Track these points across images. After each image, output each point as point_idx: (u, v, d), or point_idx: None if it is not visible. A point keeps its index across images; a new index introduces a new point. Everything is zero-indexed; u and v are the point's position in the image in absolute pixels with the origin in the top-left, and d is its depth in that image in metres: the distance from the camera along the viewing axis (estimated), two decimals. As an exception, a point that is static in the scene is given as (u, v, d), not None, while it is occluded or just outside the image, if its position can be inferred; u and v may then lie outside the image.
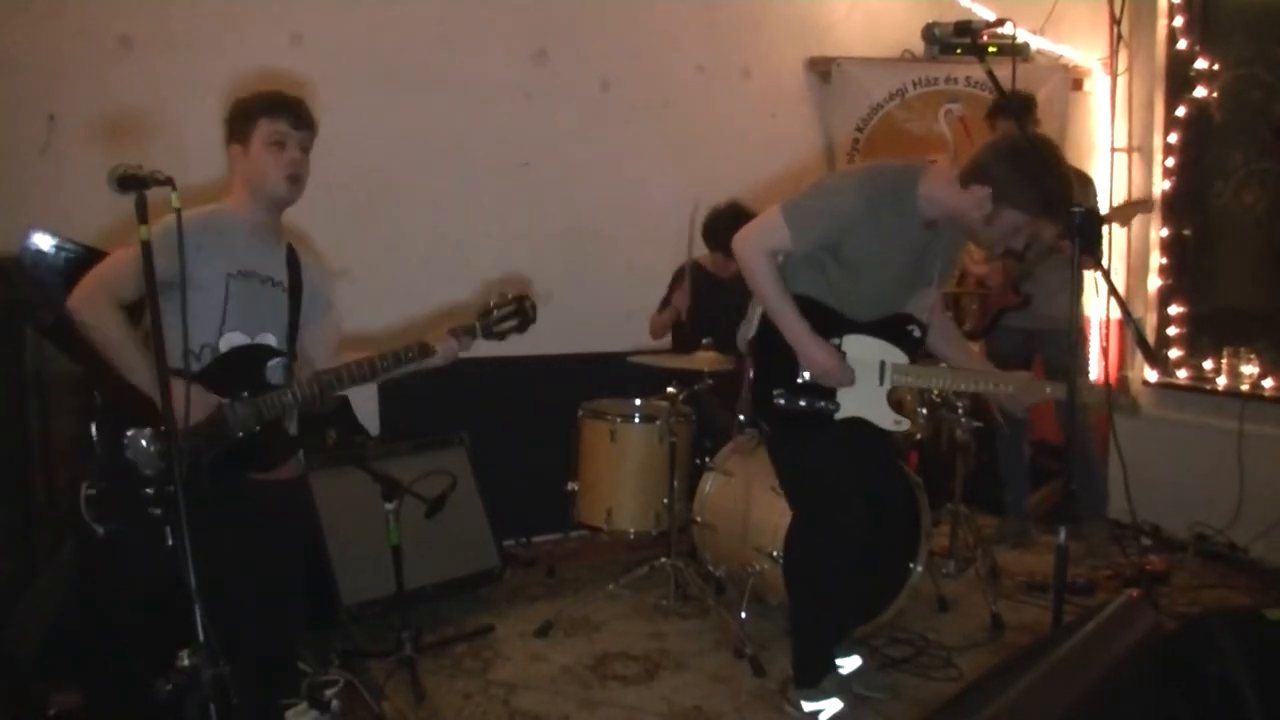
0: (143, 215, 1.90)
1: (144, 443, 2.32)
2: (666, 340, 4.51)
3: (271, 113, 2.43)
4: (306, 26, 4.29)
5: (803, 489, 3.06)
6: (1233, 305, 4.71)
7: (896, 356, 2.89)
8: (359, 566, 3.55)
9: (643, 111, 4.91)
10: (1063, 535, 2.46)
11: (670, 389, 3.87)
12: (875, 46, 5.25)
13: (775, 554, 3.45)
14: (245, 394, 2.39)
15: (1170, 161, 4.91)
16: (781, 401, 2.87)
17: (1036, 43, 5.30)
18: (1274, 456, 4.25)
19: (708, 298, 4.30)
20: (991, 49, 4.70)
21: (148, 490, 2.33)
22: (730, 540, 3.74)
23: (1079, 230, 2.42)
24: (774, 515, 3.47)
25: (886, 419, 2.91)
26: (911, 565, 3.61)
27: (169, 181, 1.92)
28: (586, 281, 4.80)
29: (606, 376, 4.37)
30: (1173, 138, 4.88)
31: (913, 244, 2.81)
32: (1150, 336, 4.89)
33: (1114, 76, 5.19)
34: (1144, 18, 5.01)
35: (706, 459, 4.00)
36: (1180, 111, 4.83)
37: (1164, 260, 4.96)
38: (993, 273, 4.33)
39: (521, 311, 2.70)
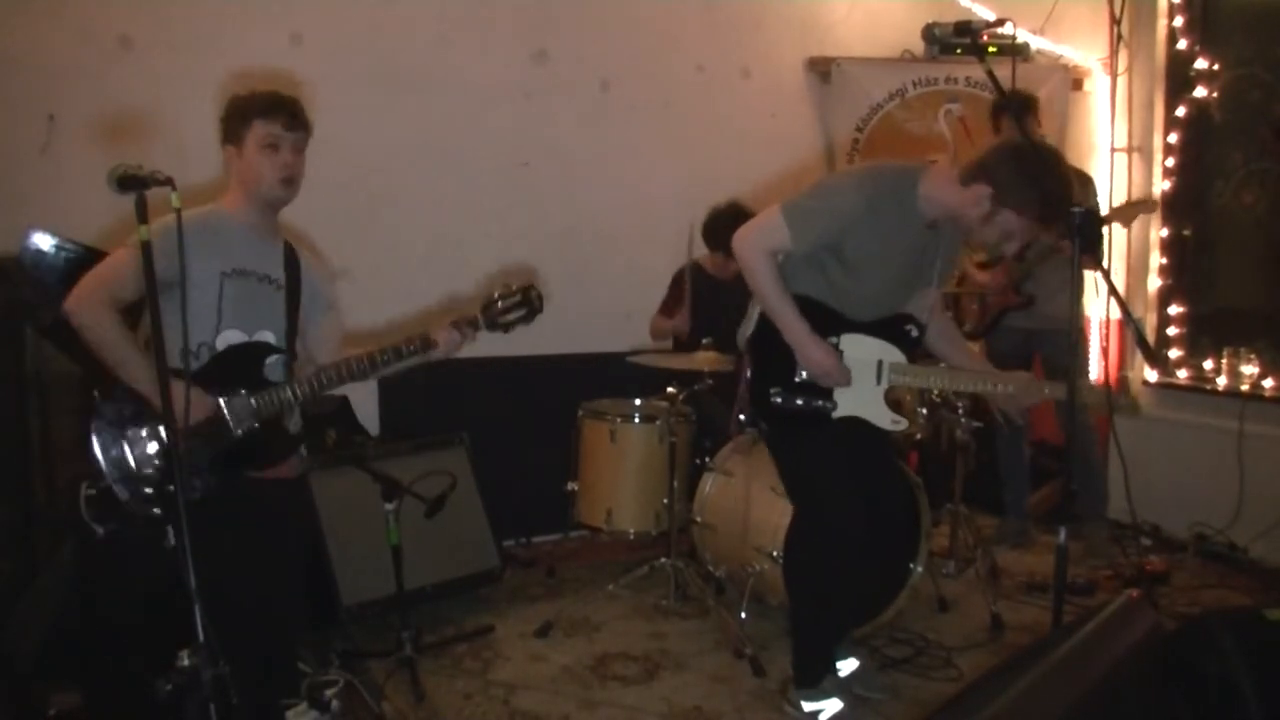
0: (143, 215, 1.90)
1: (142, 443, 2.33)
2: (666, 340, 4.51)
3: (265, 114, 2.42)
4: (306, 26, 4.29)
5: (802, 488, 3.06)
6: (1233, 305, 4.71)
7: (894, 356, 2.89)
8: (359, 566, 3.55)
9: (643, 111, 4.91)
10: (1063, 535, 2.46)
11: (670, 389, 3.87)
12: (875, 46, 5.25)
13: (775, 554, 3.45)
14: (243, 391, 2.39)
15: (1170, 161, 4.91)
16: (779, 400, 2.87)
17: (1036, 43, 5.30)
18: (1274, 456, 4.25)
19: (708, 299, 4.30)
20: (991, 49, 4.70)
21: (147, 490, 2.34)
22: (730, 540, 3.74)
23: (1079, 230, 2.42)
24: (774, 515, 3.47)
25: (884, 418, 2.91)
26: (911, 565, 3.61)
27: (169, 181, 1.92)
28: (586, 281, 4.80)
29: (606, 376, 4.37)
30: (1173, 138, 4.88)
31: (913, 244, 2.81)
32: (1150, 336, 4.89)
33: (1114, 76, 5.19)
34: (1144, 18, 5.01)
35: (706, 459, 4.00)
36: (1180, 111, 4.83)
37: (1164, 260, 4.96)
38: (995, 276, 4.33)
39: (527, 302, 2.65)
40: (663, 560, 3.86)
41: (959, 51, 5.14)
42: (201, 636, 1.80)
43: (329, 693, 2.89)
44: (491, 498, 4.07)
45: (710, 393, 4.02)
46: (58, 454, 3.18)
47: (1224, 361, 4.61)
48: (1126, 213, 4.46)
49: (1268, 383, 4.44)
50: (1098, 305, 4.98)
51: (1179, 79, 4.84)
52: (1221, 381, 4.62)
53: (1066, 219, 2.46)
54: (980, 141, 5.05)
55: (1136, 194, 5.05)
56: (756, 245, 2.82)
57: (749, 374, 2.99)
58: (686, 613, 3.85)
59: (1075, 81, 5.37)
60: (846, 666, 3.13)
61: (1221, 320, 4.73)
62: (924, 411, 3.92)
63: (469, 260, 4.52)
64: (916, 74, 5.21)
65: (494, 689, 3.26)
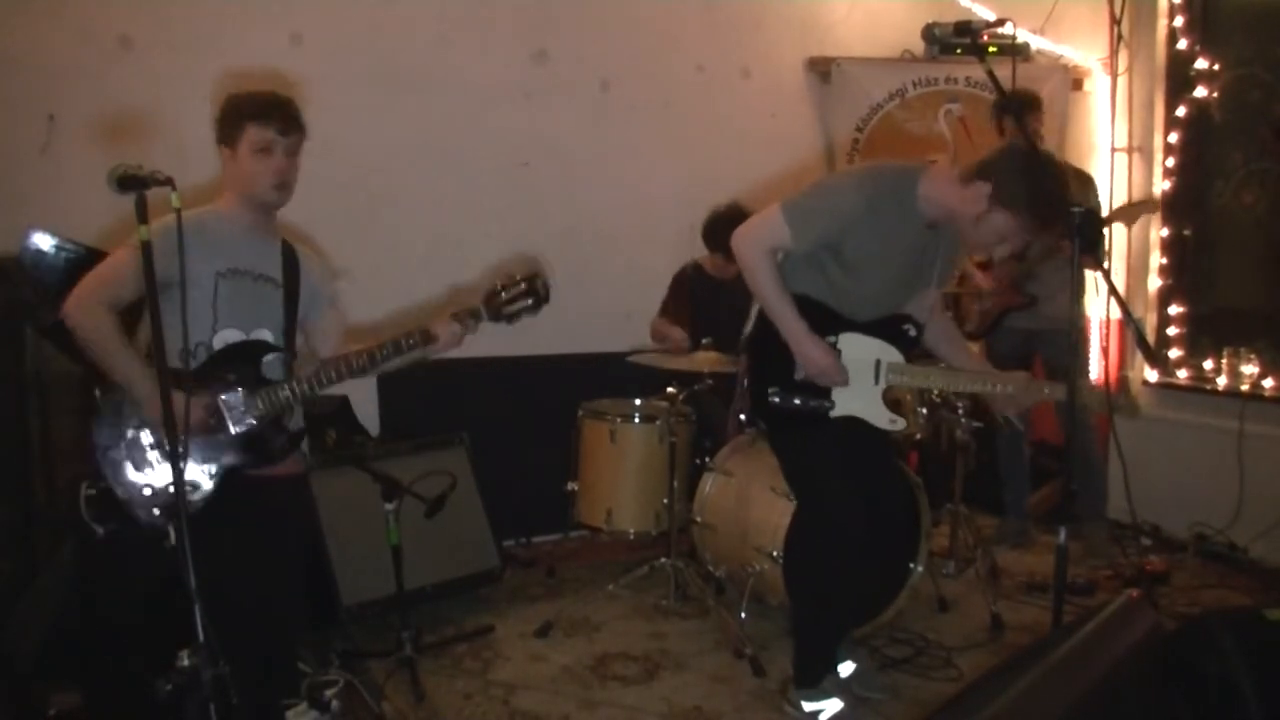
0: (143, 215, 1.91)
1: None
2: (666, 344, 4.51)
3: (258, 118, 2.40)
4: (306, 26, 4.29)
5: (803, 483, 3.07)
6: (1233, 305, 4.71)
7: (892, 356, 2.89)
8: (359, 566, 3.55)
9: (643, 111, 4.91)
10: (1063, 535, 2.46)
11: (670, 389, 3.87)
12: (875, 46, 5.25)
13: (775, 554, 3.45)
14: (239, 391, 2.38)
15: (1170, 161, 4.90)
16: (776, 399, 2.87)
17: (1036, 43, 5.30)
18: (1274, 456, 4.25)
19: (708, 300, 4.30)
20: (991, 49, 4.69)
21: (146, 493, 2.34)
22: (730, 540, 3.74)
23: (1079, 230, 2.42)
24: (774, 515, 3.47)
25: (882, 418, 2.91)
26: (911, 565, 3.61)
27: (169, 181, 1.93)
28: (586, 281, 4.80)
29: (606, 376, 4.37)
30: (1173, 138, 4.88)
31: (913, 244, 2.81)
32: (1150, 336, 4.89)
33: (1114, 76, 5.19)
34: (1144, 18, 5.01)
35: (706, 459, 3.99)
36: (1180, 111, 4.83)
37: (1164, 260, 4.96)
38: (997, 276, 4.33)
39: (533, 291, 2.59)
40: (663, 560, 3.86)
41: (959, 51, 5.14)
42: (201, 636, 1.80)
43: (329, 693, 2.89)
44: (491, 498, 4.07)
45: (710, 393, 4.03)
46: (58, 454, 3.18)
47: (1224, 361, 4.61)
48: (1129, 213, 4.46)
49: (1268, 383, 4.43)
50: (1098, 305, 4.98)
51: (1179, 79, 4.84)
52: (1221, 381, 4.62)
53: (1063, 222, 2.46)
54: (980, 142, 5.05)
55: (1137, 194, 5.05)
56: (756, 243, 2.82)
57: (746, 373, 2.99)
58: (686, 613, 3.85)
59: (1075, 81, 5.37)
60: (843, 670, 3.13)
61: (1221, 320, 4.73)
62: (924, 411, 3.92)
63: (469, 260, 4.52)
64: (916, 74, 5.21)
65: (494, 689, 3.26)
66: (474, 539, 3.98)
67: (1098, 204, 4.43)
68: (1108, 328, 5.05)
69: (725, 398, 4.06)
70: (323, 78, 4.23)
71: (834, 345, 2.85)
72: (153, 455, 2.37)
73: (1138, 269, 5.08)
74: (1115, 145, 5.21)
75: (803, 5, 5.16)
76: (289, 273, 2.55)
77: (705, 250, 4.39)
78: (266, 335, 2.49)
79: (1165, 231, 4.92)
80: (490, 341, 4.60)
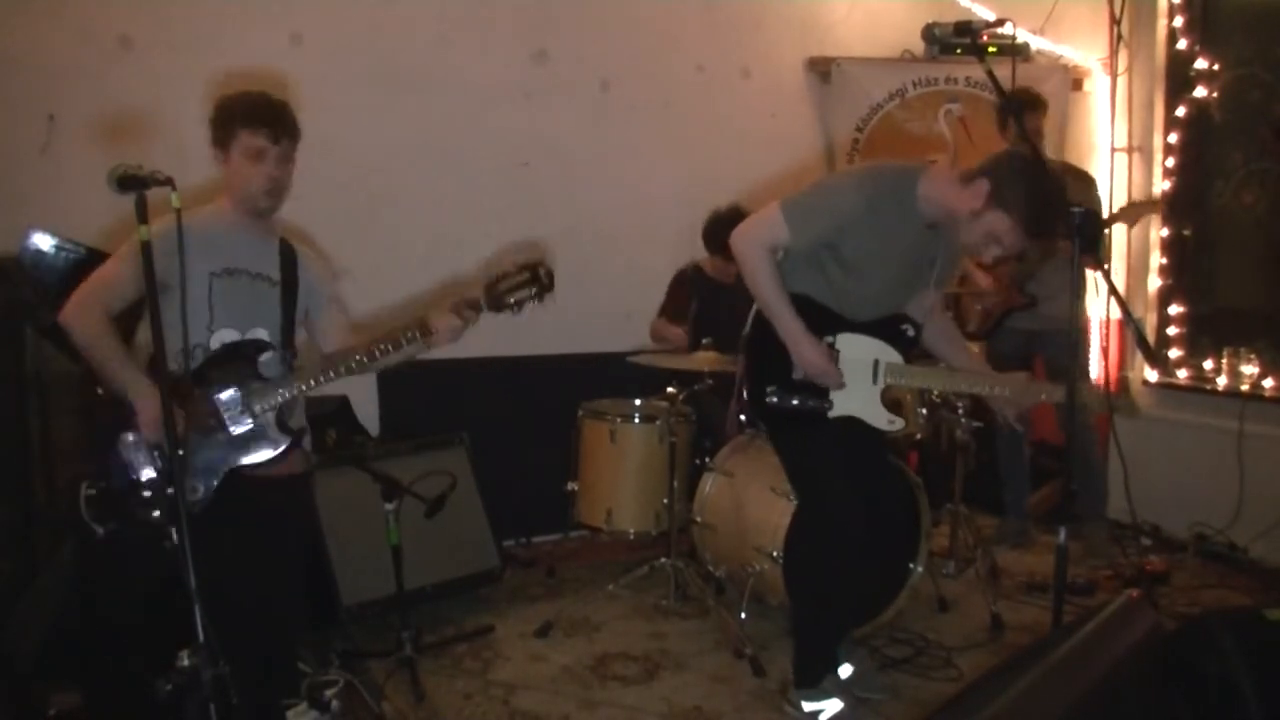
0: (143, 215, 1.91)
1: (136, 445, 2.34)
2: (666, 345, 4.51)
3: (250, 125, 2.39)
4: (306, 26, 4.29)
5: (804, 481, 3.07)
6: (1233, 305, 4.71)
7: (890, 356, 2.89)
8: (359, 566, 3.55)
9: (643, 111, 4.91)
10: (1063, 535, 2.46)
11: (670, 389, 3.87)
12: (875, 46, 5.25)
13: (775, 554, 3.45)
14: (234, 390, 2.38)
15: (1170, 161, 4.90)
16: (774, 399, 2.87)
17: (1036, 43, 5.30)
18: (1274, 456, 4.25)
19: (708, 302, 4.30)
20: (991, 49, 4.70)
21: (145, 493, 2.34)
22: (730, 540, 3.74)
23: (1079, 230, 2.42)
24: (773, 515, 3.47)
25: (880, 418, 2.91)
26: (911, 565, 3.61)
27: (169, 181, 1.93)
28: (586, 281, 4.79)
29: (606, 376, 4.37)
30: (1173, 138, 4.88)
31: (912, 244, 2.81)
32: (1150, 336, 4.89)
33: (1114, 76, 5.19)
34: (1144, 18, 5.01)
35: (706, 459, 3.99)
36: (1180, 111, 4.83)
37: (1164, 260, 4.96)
38: (998, 276, 4.33)
39: (536, 280, 2.47)
40: (663, 560, 3.86)
41: (959, 51, 5.14)
42: (201, 636, 1.80)
43: (329, 693, 2.89)
44: (491, 498, 4.07)
45: (710, 393, 4.02)
46: (58, 454, 3.18)
47: (1224, 361, 4.61)
48: (1132, 213, 4.46)
49: (1268, 383, 4.43)
50: (1098, 305, 4.99)
51: (1179, 79, 4.84)
52: (1221, 381, 4.62)
53: (1056, 233, 2.46)
54: (980, 141, 5.06)
55: (1137, 194, 5.05)
56: (755, 241, 2.82)
57: (744, 372, 2.99)
58: (686, 613, 3.85)
59: (1075, 81, 5.37)
60: (842, 672, 3.12)
61: (1221, 320, 4.73)
62: (924, 411, 3.92)
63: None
64: (916, 74, 5.21)
65: (494, 689, 3.26)
66: (474, 539, 3.98)
67: (1099, 204, 4.43)
68: (1108, 328, 5.05)
69: (725, 398, 4.05)
70: (323, 78, 4.23)
71: (832, 345, 2.85)
72: (154, 455, 2.37)
73: (1138, 269, 5.08)
74: (1115, 145, 5.21)
75: (803, 5, 5.16)
76: (287, 271, 2.55)
77: (705, 251, 4.39)
78: (263, 334, 2.48)
79: (1165, 231, 4.92)
80: (490, 341, 4.63)
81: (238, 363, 2.42)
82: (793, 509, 3.37)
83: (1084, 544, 4.28)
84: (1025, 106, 4.13)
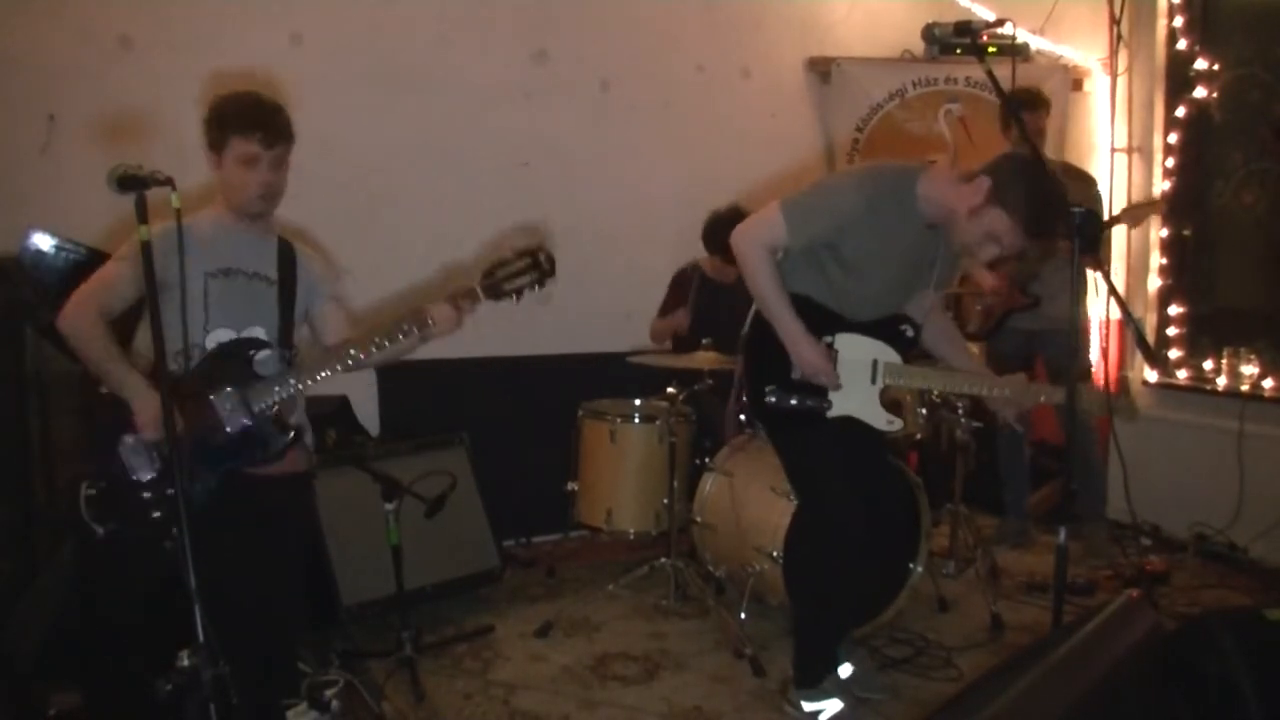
0: (143, 215, 1.91)
1: (134, 447, 2.34)
2: (666, 343, 4.51)
3: (242, 130, 2.38)
4: (306, 26, 4.29)
5: (804, 481, 3.07)
6: (1233, 305, 4.71)
7: (889, 356, 2.89)
8: (359, 566, 3.55)
9: (643, 111, 4.91)
10: (1063, 535, 2.46)
11: (670, 389, 3.87)
12: (875, 46, 5.25)
13: (775, 554, 3.45)
14: (229, 389, 2.38)
15: (1170, 161, 4.91)
16: (773, 399, 2.86)
17: (1036, 43, 5.30)
18: (1274, 456, 4.25)
19: (708, 302, 4.30)
20: (991, 49, 4.70)
21: (145, 494, 2.34)
22: (730, 540, 3.74)
23: (1079, 230, 2.41)
24: (773, 515, 3.47)
25: (879, 419, 2.90)
26: (911, 565, 3.61)
27: (169, 181, 1.93)
28: (586, 281, 4.79)
29: (606, 376, 4.37)
30: (1173, 138, 4.88)
31: (912, 245, 2.81)
32: (1150, 336, 4.89)
33: (1114, 76, 5.19)
34: (1144, 18, 5.01)
35: (706, 459, 3.99)
36: (1180, 111, 4.83)
37: (1164, 260, 4.96)
38: (999, 276, 4.32)
39: (535, 266, 2.41)
40: (663, 560, 3.86)
41: (959, 51, 5.14)
42: (201, 636, 1.80)
43: (329, 693, 2.89)
44: (491, 498, 4.07)
45: (710, 393, 4.03)
46: (58, 454, 3.18)
47: (1224, 361, 4.61)
48: (1135, 213, 4.46)
49: (1268, 383, 4.43)
50: (1098, 305, 4.99)
51: (1179, 79, 4.84)
52: (1221, 381, 4.62)
53: (1053, 235, 2.46)
54: (980, 141, 5.06)
55: (1137, 194, 5.05)
56: (754, 240, 2.82)
57: (742, 372, 2.99)
58: (686, 613, 3.85)
59: (1075, 81, 5.37)
60: (841, 672, 3.12)
61: (1221, 320, 4.73)
62: (924, 411, 3.92)
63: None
64: (916, 74, 5.21)
65: (494, 689, 3.26)
66: (474, 539, 3.98)
67: (1100, 203, 4.42)
68: (1107, 328, 5.05)
69: (725, 398, 4.06)
70: (323, 78, 4.24)
71: (831, 345, 2.85)
72: (153, 456, 2.37)
73: (1138, 269, 5.08)
74: (1115, 145, 5.21)
75: (803, 5, 5.16)
76: (285, 270, 2.55)
77: (705, 251, 4.39)
78: (259, 333, 2.48)
79: (1165, 231, 4.92)
80: (490, 341, 4.65)
81: (234, 362, 2.42)
82: (793, 509, 3.37)
83: (1084, 544, 4.28)
84: (1027, 106, 4.13)
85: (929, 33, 4.82)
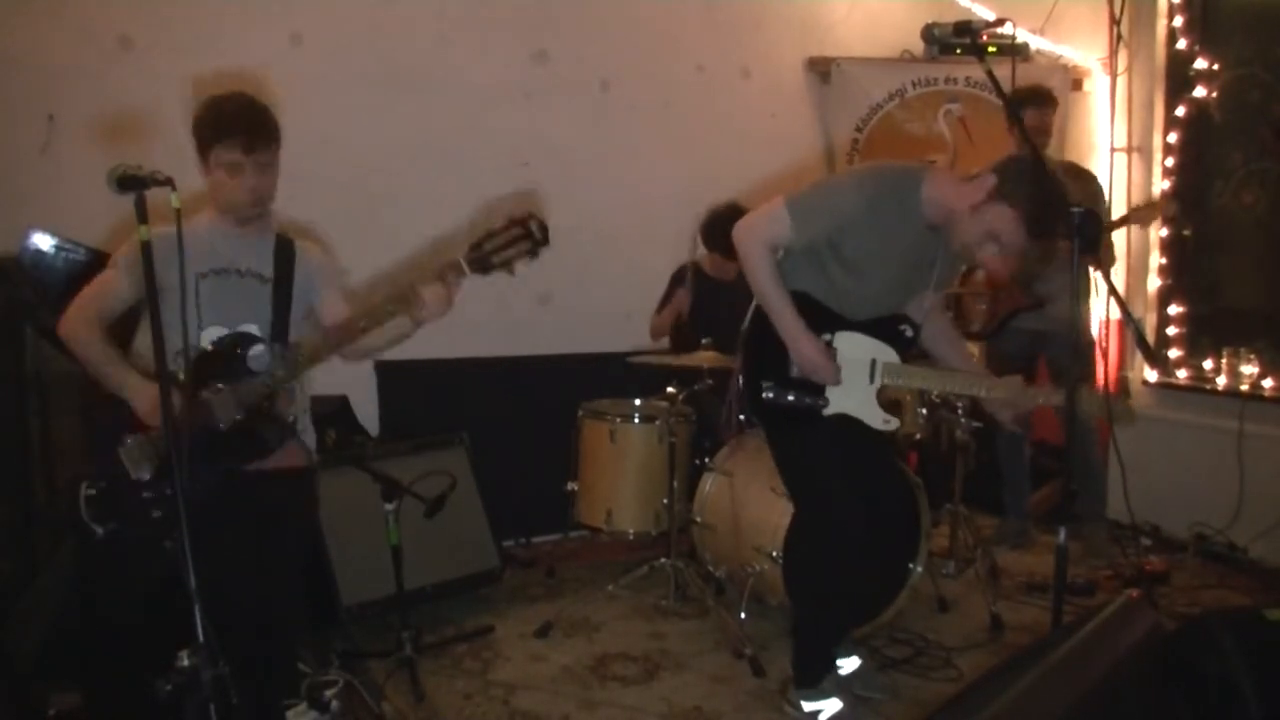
0: (142, 215, 1.91)
1: (135, 448, 2.34)
2: (665, 340, 4.51)
3: (224, 138, 2.38)
4: (306, 26, 4.29)
5: (800, 482, 3.06)
6: (1233, 305, 4.71)
7: (888, 355, 2.89)
8: (359, 566, 3.55)
9: (643, 111, 4.91)
10: (1062, 535, 2.46)
11: (670, 389, 3.87)
12: (875, 47, 5.25)
13: (775, 554, 3.45)
14: (221, 385, 2.38)
15: (1170, 161, 4.90)
16: (770, 395, 2.86)
17: (1036, 43, 5.30)
18: (1274, 456, 4.25)
19: (707, 300, 4.30)
20: (991, 49, 4.70)
21: (145, 494, 2.34)
22: (730, 540, 3.74)
23: (1079, 230, 2.41)
24: (773, 515, 3.47)
25: (875, 418, 2.90)
26: (911, 565, 3.60)
27: (169, 182, 1.93)
28: (586, 281, 4.80)
29: (606, 376, 4.37)
30: (1172, 138, 4.88)
31: (912, 245, 2.81)
32: (1150, 336, 4.89)
33: (1114, 76, 5.19)
34: (1144, 18, 5.01)
35: (706, 459, 4.00)
36: (1180, 111, 4.83)
37: (1164, 260, 4.96)
38: (1005, 264, 4.29)
39: (527, 235, 2.29)
40: (663, 560, 3.86)
41: (959, 51, 5.15)
42: (201, 636, 1.80)
43: (329, 693, 2.89)
44: (491, 498, 4.07)
45: (710, 393, 4.02)
46: (58, 454, 3.18)
47: (1224, 361, 4.61)
48: (1142, 214, 4.45)
49: (1267, 383, 4.43)
50: (1098, 305, 4.99)
51: (1179, 79, 4.84)
52: (1221, 381, 4.62)
53: (1061, 229, 2.46)
54: (980, 141, 5.06)
55: (1137, 193, 5.06)
56: (757, 236, 2.82)
57: (741, 368, 2.99)
58: (686, 613, 3.85)
59: (1075, 81, 5.37)
60: (848, 664, 3.13)
61: (1221, 320, 4.72)
62: (924, 411, 3.92)
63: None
64: (916, 74, 5.21)
65: (494, 689, 3.26)
66: (474, 539, 3.98)
67: (1103, 202, 4.41)
68: (1107, 328, 5.05)
69: (725, 398, 4.06)
70: (323, 78, 4.24)
71: (829, 343, 2.85)
72: (153, 456, 2.38)
73: (1138, 269, 5.08)
74: (1115, 145, 5.21)
75: (803, 5, 5.17)
76: (282, 267, 2.55)
77: (704, 250, 4.39)
78: (252, 330, 2.49)
79: (1165, 231, 4.91)
80: (490, 341, 4.65)
81: (226, 358, 2.43)
82: (792, 509, 3.36)
83: (1084, 544, 4.28)
84: (1034, 103, 4.12)
85: (929, 33, 4.81)
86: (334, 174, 4.22)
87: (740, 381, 2.97)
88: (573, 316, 4.79)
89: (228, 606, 1.91)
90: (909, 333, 2.92)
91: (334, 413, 4.08)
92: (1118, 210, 4.81)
